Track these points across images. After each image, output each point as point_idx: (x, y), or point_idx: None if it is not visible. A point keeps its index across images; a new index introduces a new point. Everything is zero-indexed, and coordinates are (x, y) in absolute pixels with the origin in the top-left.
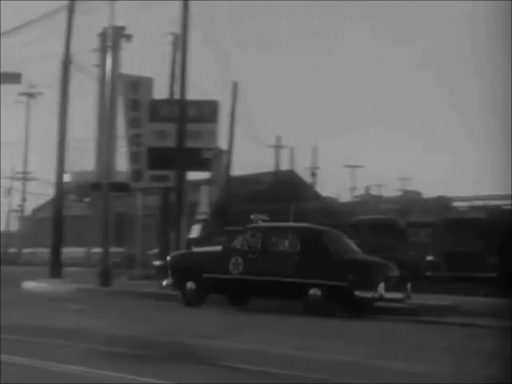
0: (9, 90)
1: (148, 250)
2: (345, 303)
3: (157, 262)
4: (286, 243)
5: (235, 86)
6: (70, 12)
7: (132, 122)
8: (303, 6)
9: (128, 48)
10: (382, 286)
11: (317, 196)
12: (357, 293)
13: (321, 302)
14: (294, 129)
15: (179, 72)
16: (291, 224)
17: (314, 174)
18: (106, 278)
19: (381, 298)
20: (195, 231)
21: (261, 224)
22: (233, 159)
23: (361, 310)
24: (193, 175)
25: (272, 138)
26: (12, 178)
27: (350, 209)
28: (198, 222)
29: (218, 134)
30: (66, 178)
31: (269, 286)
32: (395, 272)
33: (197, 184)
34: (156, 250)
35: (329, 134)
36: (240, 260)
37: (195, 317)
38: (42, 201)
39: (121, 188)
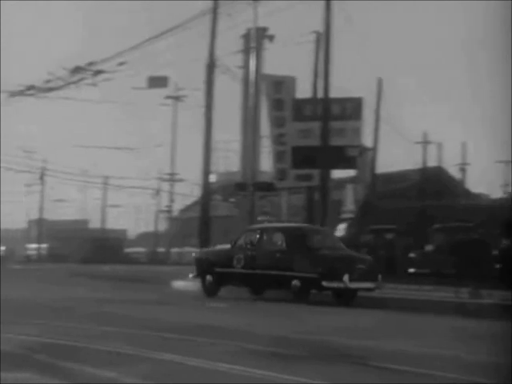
0: (156, 93)
1: None
2: (318, 291)
3: None
4: (276, 241)
5: (380, 83)
6: (214, 15)
7: (276, 122)
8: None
9: (271, 48)
10: (346, 277)
11: (467, 193)
12: (324, 283)
13: (300, 291)
14: (442, 124)
15: (322, 70)
16: (282, 224)
17: (463, 170)
18: None
19: (346, 287)
20: (341, 230)
21: (258, 225)
22: (378, 156)
23: (348, 299)
24: (337, 173)
25: (419, 134)
26: (160, 179)
27: (503, 205)
28: (343, 220)
29: (362, 131)
30: (212, 178)
31: (263, 278)
32: (367, 265)
33: (342, 182)
34: None
35: (476, 129)
36: (241, 256)
37: (344, 316)
38: (188, 201)
39: (266, 187)
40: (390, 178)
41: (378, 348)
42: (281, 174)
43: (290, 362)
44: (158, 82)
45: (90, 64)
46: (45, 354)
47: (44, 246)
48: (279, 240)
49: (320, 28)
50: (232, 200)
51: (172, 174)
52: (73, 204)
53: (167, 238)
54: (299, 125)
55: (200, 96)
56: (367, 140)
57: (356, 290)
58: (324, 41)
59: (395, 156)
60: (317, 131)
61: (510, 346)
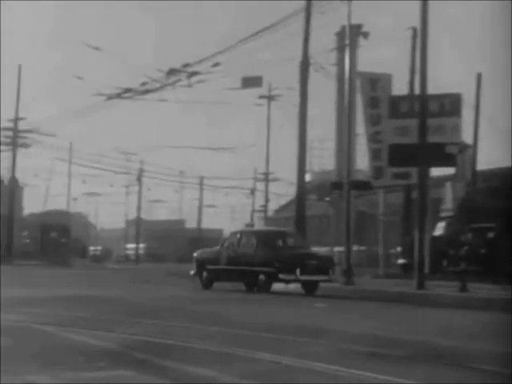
0: (250, 93)
1: (391, 249)
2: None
3: (401, 261)
4: (250, 243)
5: (479, 78)
6: (308, 13)
7: (371, 120)
8: None
9: (366, 45)
10: (298, 271)
11: None
12: (281, 276)
13: (265, 283)
14: None
15: (419, 66)
16: (257, 228)
17: None
18: (348, 276)
19: (297, 279)
20: (440, 229)
21: (240, 229)
22: (478, 153)
23: (312, 289)
24: (436, 171)
25: None
26: (255, 179)
27: None
28: (442, 219)
29: (461, 127)
30: (307, 177)
31: (239, 273)
32: (320, 262)
33: (440, 180)
34: (399, 249)
35: None
36: (225, 255)
37: (440, 316)
38: (283, 201)
39: (362, 186)
40: (491, 175)
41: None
42: (377, 173)
43: (387, 363)
44: (252, 82)
45: (185, 66)
46: (145, 353)
47: (142, 245)
48: (253, 242)
49: (417, 24)
50: (327, 199)
51: (266, 174)
52: (169, 204)
53: None
54: (395, 122)
55: (294, 95)
56: (467, 137)
57: (317, 282)
58: (420, 36)
59: (497, 153)
60: (414, 128)
61: None
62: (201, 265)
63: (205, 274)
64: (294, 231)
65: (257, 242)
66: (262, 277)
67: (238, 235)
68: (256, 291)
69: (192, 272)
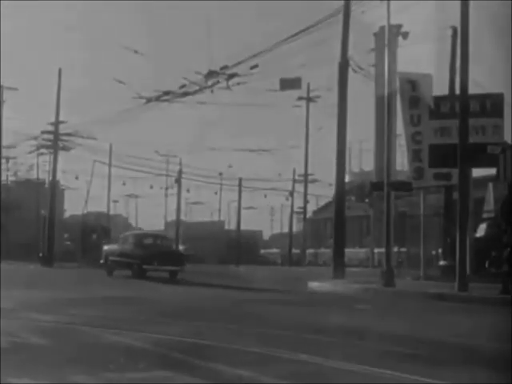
0: (288, 94)
1: (432, 250)
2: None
3: (442, 262)
4: (131, 242)
5: None
6: (346, 13)
7: (411, 120)
8: None
9: (405, 45)
10: (155, 263)
11: None
12: (144, 266)
13: (137, 271)
14: None
15: (460, 66)
16: (138, 231)
17: None
18: (389, 278)
19: (156, 269)
20: (482, 230)
21: (129, 232)
22: None
23: (174, 276)
24: (477, 172)
25: None
26: (294, 180)
27: None
28: (484, 220)
29: (503, 128)
30: (346, 178)
31: (125, 264)
32: (175, 256)
33: (482, 181)
34: (440, 250)
35: None
36: (118, 251)
37: (481, 318)
38: (322, 202)
39: (402, 187)
40: None
41: None
42: (417, 173)
43: (428, 365)
44: (290, 83)
45: (223, 68)
46: (182, 353)
47: (181, 247)
48: (132, 241)
49: (457, 23)
50: (367, 200)
51: (305, 175)
52: (208, 206)
53: (301, 239)
54: (436, 123)
55: (333, 96)
56: (509, 137)
57: (176, 271)
58: (461, 36)
59: None
60: (454, 129)
61: None
62: (106, 257)
63: (108, 263)
64: (163, 234)
65: (134, 242)
66: (134, 266)
67: (127, 236)
68: (132, 277)
69: (101, 261)
